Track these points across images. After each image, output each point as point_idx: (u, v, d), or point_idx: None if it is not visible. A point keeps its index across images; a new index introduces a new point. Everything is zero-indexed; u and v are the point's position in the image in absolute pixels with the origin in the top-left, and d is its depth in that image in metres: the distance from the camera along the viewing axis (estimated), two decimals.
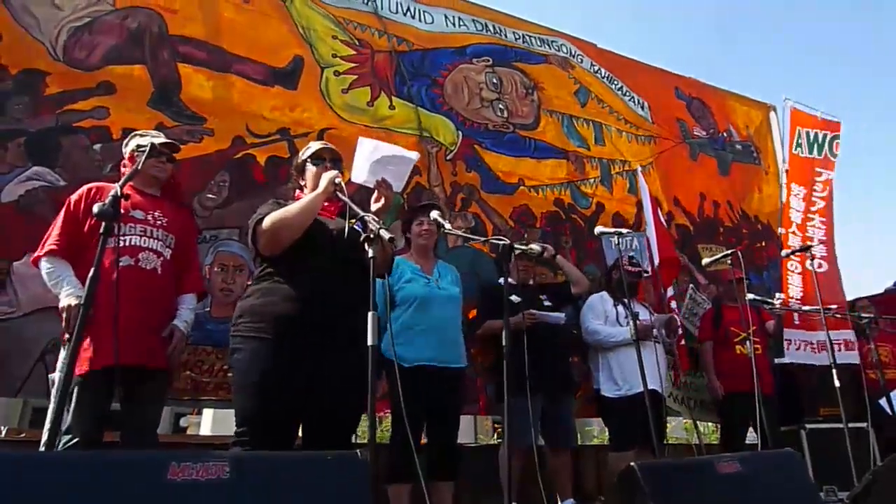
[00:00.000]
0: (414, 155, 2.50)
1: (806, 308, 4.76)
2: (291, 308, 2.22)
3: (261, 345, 2.19)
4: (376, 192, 2.38)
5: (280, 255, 2.30)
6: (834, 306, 4.51)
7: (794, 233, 5.25)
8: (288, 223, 2.26)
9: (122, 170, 2.74)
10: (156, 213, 2.64)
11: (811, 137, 5.58)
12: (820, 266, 5.01)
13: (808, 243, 4.80)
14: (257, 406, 2.14)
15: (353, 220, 2.24)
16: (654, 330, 4.04)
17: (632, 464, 1.86)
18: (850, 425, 3.56)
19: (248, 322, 2.24)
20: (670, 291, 4.60)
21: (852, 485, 2.93)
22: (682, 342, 4.55)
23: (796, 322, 4.81)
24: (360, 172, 2.43)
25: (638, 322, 3.46)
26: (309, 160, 2.55)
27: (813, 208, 5.31)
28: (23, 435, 3.82)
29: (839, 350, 4.71)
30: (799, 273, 4.98)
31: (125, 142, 2.82)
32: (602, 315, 4.12)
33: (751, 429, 4.33)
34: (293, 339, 2.19)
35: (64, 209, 2.56)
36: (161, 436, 3.14)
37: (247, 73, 4.04)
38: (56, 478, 1.24)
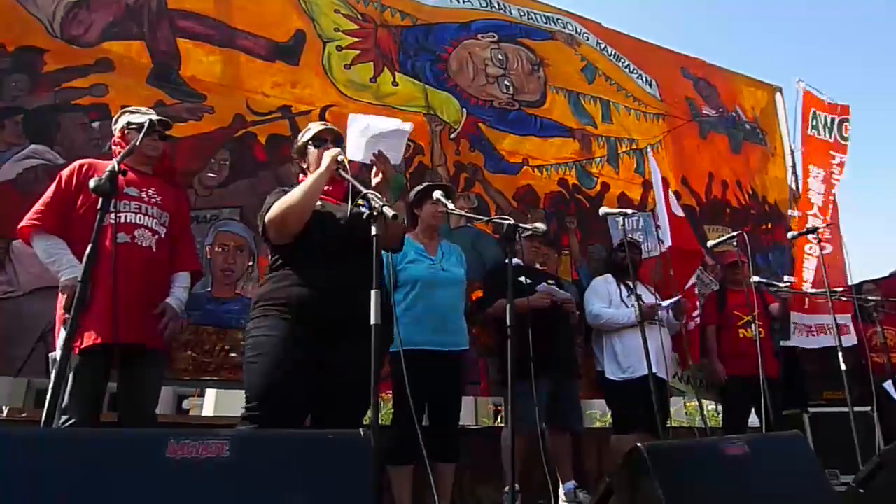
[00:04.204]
0: (407, 126, 2.47)
1: (812, 291, 4.73)
2: (304, 293, 2.23)
3: (275, 324, 2.19)
4: (374, 167, 2.35)
5: (291, 244, 2.30)
6: (840, 289, 4.47)
7: (815, 215, 5.17)
8: (294, 207, 2.25)
9: (114, 148, 2.70)
10: (150, 191, 2.61)
11: (823, 120, 5.52)
12: (824, 248, 4.97)
13: (820, 225, 4.75)
14: (270, 384, 2.13)
15: (360, 202, 2.22)
16: (660, 311, 4.01)
17: (638, 444, 1.84)
18: (855, 409, 3.55)
19: (262, 306, 2.26)
20: (692, 280, 4.52)
21: (855, 469, 2.91)
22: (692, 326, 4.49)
23: (806, 306, 4.74)
24: (356, 150, 2.41)
25: (642, 303, 3.44)
26: (310, 142, 2.52)
27: (833, 191, 5.24)
28: (24, 415, 3.82)
29: (843, 333, 4.66)
30: (816, 256, 4.90)
31: (115, 118, 2.78)
32: (606, 297, 4.10)
33: (753, 412, 4.31)
34: (306, 322, 2.19)
35: (55, 184, 2.52)
36: (163, 416, 3.13)
37: (248, 48, 3.97)
38: (53, 455, 1.23)
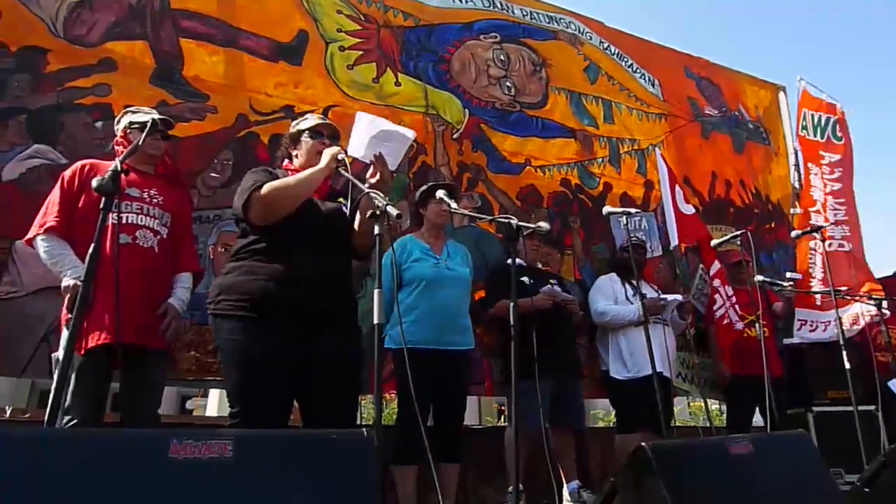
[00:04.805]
0: (411, 133, 2.48)
1: (815, 290, 4.71)
2: (277, 287, 2.19)
3: (244, 323, 2.16)
4: (372, 167, 2.35)
5: (268, 230, 2.27)
6: (844, 288, 4.45)
7: (818, 211, 5.14)
8: (287, 193, 2.24)
9: (116, 147, 2.69)
10: (151, 192, 2.60)
11: (816, 120, 5.52)
12: (841, 246, 4.92)
13: (826, 223, 4.74)
14: (247, 385, 2.13)
15: (342, 200, 2.23)
16: (666, 308, 4.01)
17: (643, 444, 1.83)
18: (859, 408, 3.54)
19: (230, 300, 2.20)
20: (713, 269, 4.50)
21: (860, 468, 2.90)
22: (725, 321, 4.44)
23: (818, 304, 4.71)
24: (358, 147, 2.41)
25: (648, 299, 3.43)
26: (306, 132, 2.52)
27: (827, 189, 5.22)
28: (27, 415, 3.82)
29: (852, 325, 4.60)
30: (821, 253, 4.86)
31: (117, 118, 2.78)
32: (611, 295, 4.09)
33: (757, 411, 4.30)
34: (279, 318, 2.16)
35: (58, 186, 2.52)
36: (166, 416, 3.12)
37: (250, 48, 3.98)
38: (55, 455, 1.22)
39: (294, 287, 2.19)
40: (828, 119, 5.54)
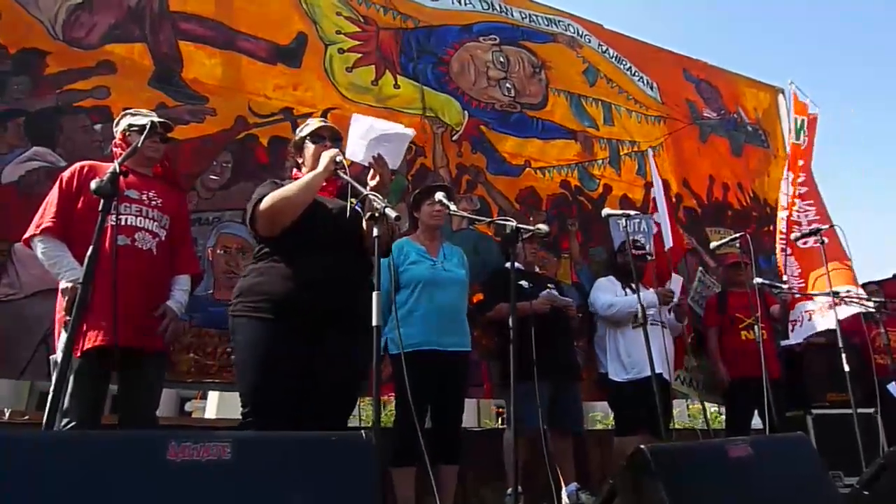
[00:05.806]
0: (409, 131, 2.47)
1: (815, 292, 4.70)
2: (291, 288, 2.22)
3: (260, 325, 2.19)
4: (372, 169, 2.35)
5: (279, 235, 2.29)
6: (844, 289, 4.45)
7: (781, 218, 5.11)
8: (287, 202, 2.25)
9: (115, 150, 2.69)
10: (150, 194, 2.61)
11: (799, 124, 5.51)
12: (817, 241, 4.88)
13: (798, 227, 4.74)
14: (260, 386, 2.14)
15: (354, 201, 2.23)
16: (673, 302, 4.03)
17: (642, 446, 1.83)
18: (858, 411, 3.54)
19: (247, 302, 2.24)
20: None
21: (859, 471, 2.90)
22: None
23: (797, 296, 4.69)
24: (356, 150, 2.40)
25: (660, 289, 3.44)
26: (308, 138, 2.52)
27: (796, 192, 5.17)
28: (26, 417, 3.81)
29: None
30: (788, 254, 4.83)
31: (116, 120, 2.78)
32: (613, 293, 4.09)
33: (756, 414, 4.30)
34: (293, 319, 2.18)
35: (56, 187, 2.52)
36: (165, 418, 3.11)
37: (249, 51, 3.98)
38: (53, 457, 1.21)
39: (305, 289, 2.21)
40: (803, 121, 5.53)
